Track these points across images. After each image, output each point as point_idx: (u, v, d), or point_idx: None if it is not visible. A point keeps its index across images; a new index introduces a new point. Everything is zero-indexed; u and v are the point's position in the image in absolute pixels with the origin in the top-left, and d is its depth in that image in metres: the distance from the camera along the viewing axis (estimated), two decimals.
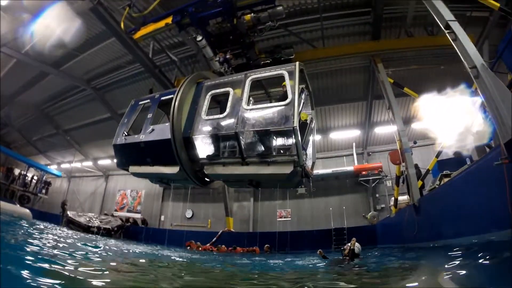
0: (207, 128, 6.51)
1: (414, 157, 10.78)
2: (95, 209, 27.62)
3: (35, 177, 28.61)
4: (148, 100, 8.27)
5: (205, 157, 6.46)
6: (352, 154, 20.73)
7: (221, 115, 6.27)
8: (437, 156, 10.24)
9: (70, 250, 5.86)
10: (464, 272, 3.39)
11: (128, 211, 26.39)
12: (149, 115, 7.71)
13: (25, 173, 27.81)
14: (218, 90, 6.87)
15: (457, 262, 4.23)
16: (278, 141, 5.92)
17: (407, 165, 10.43)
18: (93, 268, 4.19)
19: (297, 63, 6.00)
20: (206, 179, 7.12)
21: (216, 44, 10.78)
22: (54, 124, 25.01)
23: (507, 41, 5.02)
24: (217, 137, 6.35)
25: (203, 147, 6.56)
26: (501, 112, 4.47)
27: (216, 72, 9.54)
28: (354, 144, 20.73)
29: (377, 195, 19.53)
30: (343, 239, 16.61)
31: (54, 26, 12.89)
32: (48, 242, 6.40)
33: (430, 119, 9.85)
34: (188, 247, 17.66)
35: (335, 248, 16.18)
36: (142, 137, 7.29)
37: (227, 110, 6.16)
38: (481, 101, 6.11)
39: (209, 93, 6.80)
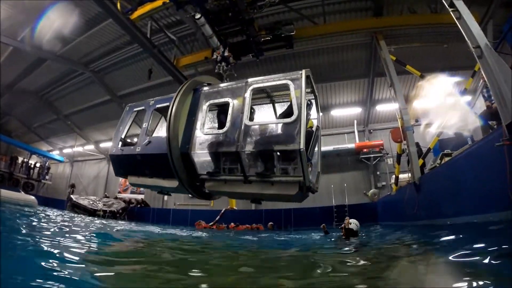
0: (206, 144, 6.17)
1: (415, 135, 10.77)
2: (99, 192, 27.88)
3: (38, 164, 28.90)
4: (143, 107, 7.71)
5: (205, 173, 6.16)
6: (353, 132, 20.74)
7: (221, 131, 5.87)
8: (439, 135, 10.22)
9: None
10: (456, 255, 3.43)
11: (132, 192, 26.68)
12: (145, 124, 7.27)
13: (27, 160, 28.08)
14: (216, 100, 6.47)
15: (454, 243, 4.31)
16: (282, 160, 5.55)
17: (408, 143, 10.44)
18: None
19: (303, 71, 5.51)
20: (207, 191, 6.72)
21: (215, 21, 10.56)
22: (54, 109, 25.02)
23: None
24: (217, 154, 6.02)
25: (203, 163, 6.29)
26: (503, 93, 4.43)
27: (214, 75, 9.15)
28: (355, 121, 20.69)
29: (378, 173, 19.64)
30: (344, 216, 16.88)
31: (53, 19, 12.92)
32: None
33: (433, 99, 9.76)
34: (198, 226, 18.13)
35: (336, 224, 16.47)
36: (138, 149, 6.93)
37: (227, 124, 5.74)
38: (484, 81, 6.07)
39: (207, 103, 6.41)
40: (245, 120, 5.58)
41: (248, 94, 5.84)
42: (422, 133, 11.19)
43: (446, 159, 8.22)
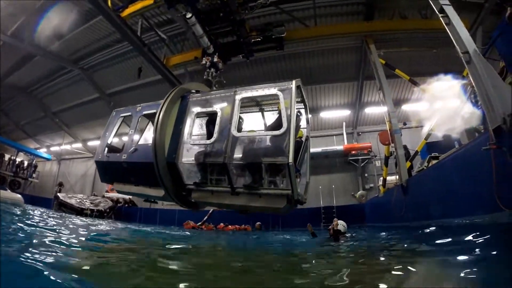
0: (193, 154, 6.04)
1: (403, 138, 10.93)
2: (86, 191, 27.36)
3: (25, 162, 28.30)
4: (130, 113, 7.53)
5: (191, 183, 6.03)
6: (342, 134, 20.86)
7: (208, 141, 5.76)
8: (426, 138, 10.39)
9: None
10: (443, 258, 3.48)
11: None
12: (131, 131, 7.11)
13: (14, 158, 27.48)
14: (204, 109, 6.32)
15: (439, 245, 4.38)
16: (271, 173, 5.37)
17: (396, 146, 10.59)
18: None
19: (294, 82, 5.33)
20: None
21: (206, 21, 10.52)
22: (42, 106, 24.51)
23: (501, 29, 5.03)
24: (204, 165, 5.89)
25: (190, 173, 6.15)
26: (491, 98, 4.54)
27: (204, 75, 8.99)
28: (344, 123, 20.82)
29: (366, 175, 19.86)
30: (332, 217, 17.01)
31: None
32: None
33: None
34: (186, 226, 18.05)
35: (324, 225, 16.58)
36: (124, 157, 6.77)
37: (215, 135, 5.62)
38: (471, 86, 6.20)
39: (194, 112, 6.30)
40: (233, 131, 5.45)
41: (236, 104, 5.70)
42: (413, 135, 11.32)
43: (434, 162, 8.34)
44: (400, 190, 9.46)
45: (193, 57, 14.16)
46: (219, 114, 5.80)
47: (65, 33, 15.68)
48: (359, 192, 18.97)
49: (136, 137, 7.15)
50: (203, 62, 9.26)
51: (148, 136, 7.38)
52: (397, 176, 10.68)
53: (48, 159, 30.32)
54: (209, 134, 6.13)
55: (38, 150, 29.85)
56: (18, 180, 27.39)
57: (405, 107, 18.33)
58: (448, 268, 3.02)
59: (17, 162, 27.76)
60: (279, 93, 5.35)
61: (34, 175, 28.62)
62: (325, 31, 13.43)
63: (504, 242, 3.68)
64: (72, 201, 19.31)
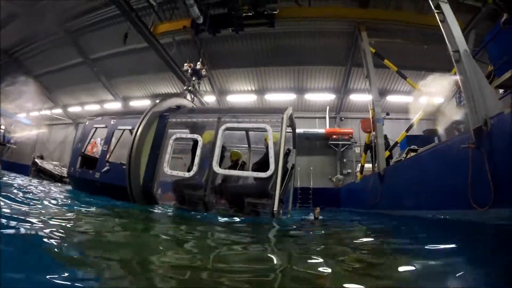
0: (171, 185, 5.86)
1: (384, 128, 11.15)
2: (65, 158, 26.33)
3: (2, 127, 26.96)
4: (104, 125, 7.13)
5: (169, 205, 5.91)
6: (324, 117, 21.06)
7: (187, 174, 5.49)
8: (407, 130, 10.64)
9: None
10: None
11: None
12: (105, 147, 6.72)
13: None
14: (183, 135, 6.01)
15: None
16: (252, 207, 5.23)
17: (377, 134, 10.81)
18: None
19: (285, 114, 5.10)
20: None
21: None
22: (24, 69, 23.16)
23: (495, 33, 5.12)
24: (183, 196, 5.69)
25: (168, 201, 5.99)
26: (475, 99, 4.68)
27: (192, 46, 8.54)
28: (328, 107, 20.97)
29: (344, 160, 20.27)
30: (308, 198, 17.47)
31: None
32: None
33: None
34: None
35: (299, 206, 16.98)
36: (97, 176, 6.50)
37: (194, 168, 5.34)
38: (458, 86, 6.36)
39: (173, 138, 5.91)
40: (215, 167, 5.23)
41: (219, 135, 5.41)
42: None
43: (412, 154, 8.58)
44: (376, 178, 9.72)
45: (182, 26, 13.79)
46: (199, 143, 5.57)
47: None
48: (337, 176, 19.38)
49: (109, 151, 6.88)
50: (185, 68, 8.86)
51: (121, 153, 6.98)
52: (375, 164, 10.96)
53: (27, 125, 29.10)
54: (193, 159, 5.86)
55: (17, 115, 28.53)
56: None
57: (390, 98, 18.68)
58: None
59: None
60: (268, 128, 5.17)
61: (12, 141, 27.41)
62: (318, 13, 13.35)
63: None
64: (51, 167, 18.67)
